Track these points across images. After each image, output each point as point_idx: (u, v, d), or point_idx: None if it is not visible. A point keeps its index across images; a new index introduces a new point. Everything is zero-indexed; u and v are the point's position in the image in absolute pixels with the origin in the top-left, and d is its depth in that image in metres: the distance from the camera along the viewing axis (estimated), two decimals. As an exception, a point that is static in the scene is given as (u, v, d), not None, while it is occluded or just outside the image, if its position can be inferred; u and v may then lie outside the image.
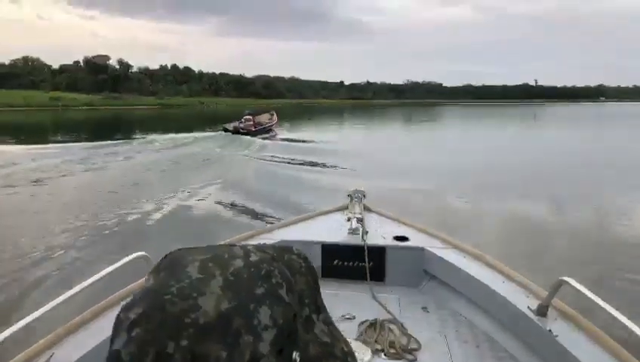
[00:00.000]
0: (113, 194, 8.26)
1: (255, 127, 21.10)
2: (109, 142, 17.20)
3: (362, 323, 1.91)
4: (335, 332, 0.54)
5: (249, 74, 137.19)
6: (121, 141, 17.90)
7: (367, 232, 2.45)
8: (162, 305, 0.43)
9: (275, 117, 24.83)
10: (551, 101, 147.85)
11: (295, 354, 0.46)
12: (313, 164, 11.83)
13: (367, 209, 2.86)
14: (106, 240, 5.55)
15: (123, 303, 0.47)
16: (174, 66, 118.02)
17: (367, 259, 2.28)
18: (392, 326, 1.86)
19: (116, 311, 0.46)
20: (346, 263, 2.38)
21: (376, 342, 1.76)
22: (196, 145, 16.38)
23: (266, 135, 20.67)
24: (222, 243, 2.35)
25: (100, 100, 73.39)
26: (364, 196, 2.98)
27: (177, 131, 22.03)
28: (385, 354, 1.71)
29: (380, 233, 2.51)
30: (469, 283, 2.01)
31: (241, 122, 21.13)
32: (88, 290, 1.37)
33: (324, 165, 11.60)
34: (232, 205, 7.24)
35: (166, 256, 0.51)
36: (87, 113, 52.46)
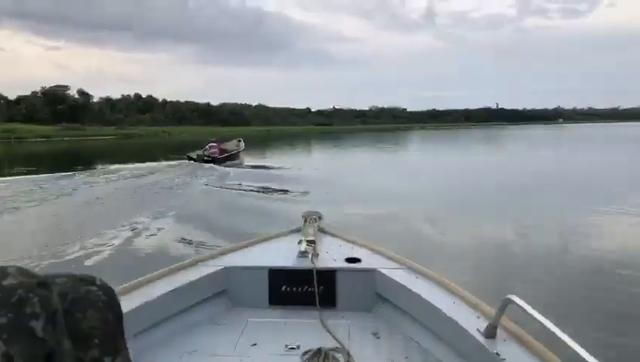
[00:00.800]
0: (56, 230, 7.68)
1: (220, 154, 20.79)
2: (59, 174, 15.91)
3: (305, 353, 1.78)
4: None
5: (215, 101, 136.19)
6: (70, 173, 16.44)
7: (317, 255, 2.34)
8: None
9: (242, 143, 24.66)
10: (512, 123, 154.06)
11: None
12: (279, 191, 11.62)
13: (321, 231, 2.76)
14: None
15: None
16: (137, 95, 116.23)
17: (316, 284, 2.16)
18: (338, 356, 1.74)
19: None
20: (294, 289, 2.24)
21: (319, 373, 1.64)
22: (155, 176, 15.62)
23: (232, 162, 20.37)
24: (162, 270, 2.18)
25: (57, 131, 70.44)
26: (319, 218, 2.87)
27: (137, 161, 21.19)
28: None
29: (332, 255, 2.38)
30: (420, 306, 1.92)
31: (205, 150, 20.75)
32: None
33: (290, 192, 11.43)
34: (187, 237, 6.82)
35: None
36: (43, 145, 50.32)
